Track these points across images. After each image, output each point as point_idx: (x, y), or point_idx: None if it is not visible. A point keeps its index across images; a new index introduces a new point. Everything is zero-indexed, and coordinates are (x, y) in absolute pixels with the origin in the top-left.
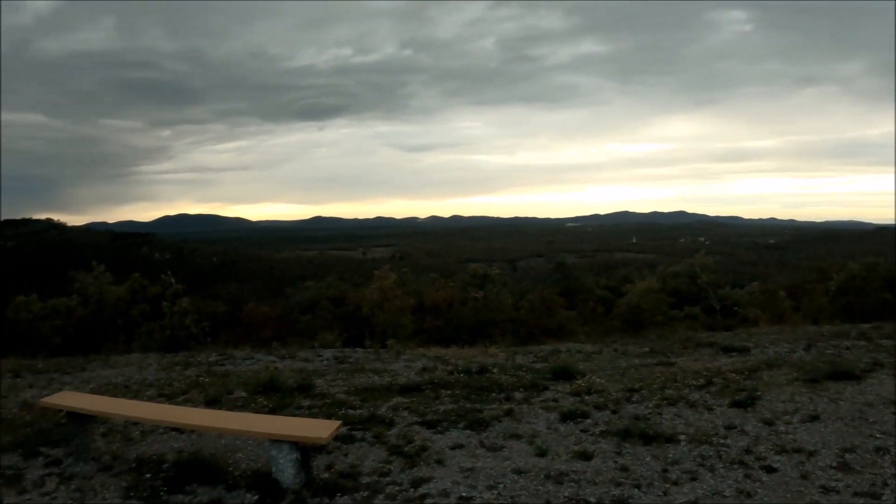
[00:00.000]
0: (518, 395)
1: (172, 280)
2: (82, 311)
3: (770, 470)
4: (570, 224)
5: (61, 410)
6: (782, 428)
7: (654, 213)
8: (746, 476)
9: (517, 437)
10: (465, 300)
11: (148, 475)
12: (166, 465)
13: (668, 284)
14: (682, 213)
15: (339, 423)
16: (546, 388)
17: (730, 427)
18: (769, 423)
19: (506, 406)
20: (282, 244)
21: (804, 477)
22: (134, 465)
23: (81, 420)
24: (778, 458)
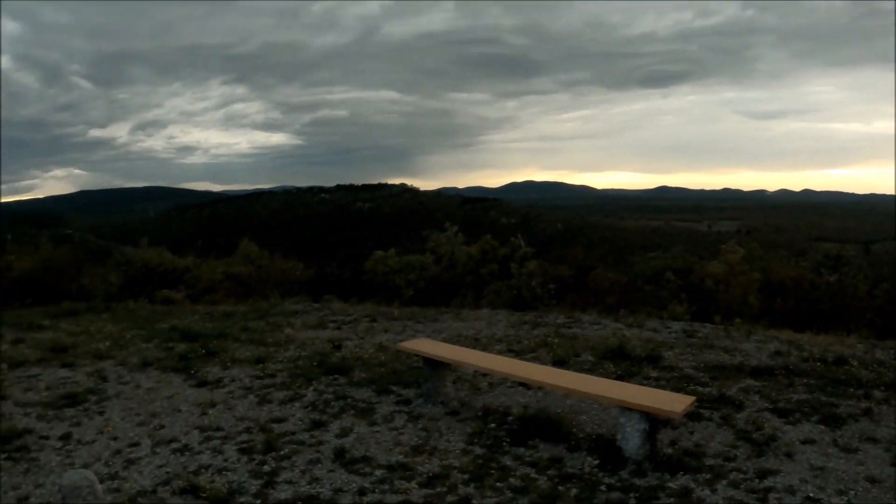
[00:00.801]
0: (878, 394)
1: (522, 243)
2: (434, 267)
3: None
4: None
5: (416, 355)
6: None
7: None
8: None
9: (874, 440)
10: (817, 283)
11: (492, 425)
12: (511, 418)
13: None
14: None
15: (693, 398)
16: None
17: None
18: None
19: (864, 404)
20: (626, 213)
21: None
22: (480, 413)
23: (435, 366)
24: None
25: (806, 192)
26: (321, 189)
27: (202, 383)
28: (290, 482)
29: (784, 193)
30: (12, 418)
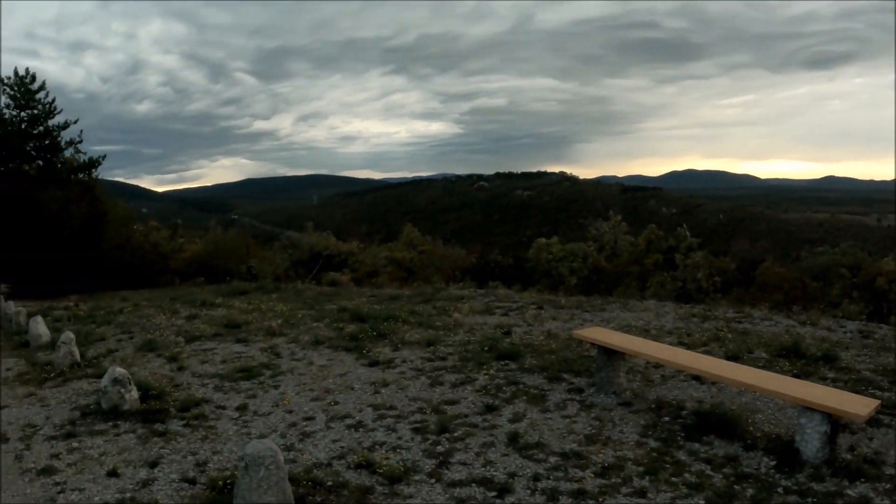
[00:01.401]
0: None
1: (687, 233)
2: (597, 256)
3: None
4: None
5: (590, 343)
6: None
7: None
8: None
9: None
10: None
11: (666, 418)
12: (685, 412)
13: None
14: None
15: (878, 402)
16: None
17: None
18: None
19: None
20: (790, 204)
21: None
22: (653, 406)
23: (609, 355)
24: None
25: None
26: (480, 177)
27: (374, 363)
28: (463, 464)
29: None
30: (190, 388)
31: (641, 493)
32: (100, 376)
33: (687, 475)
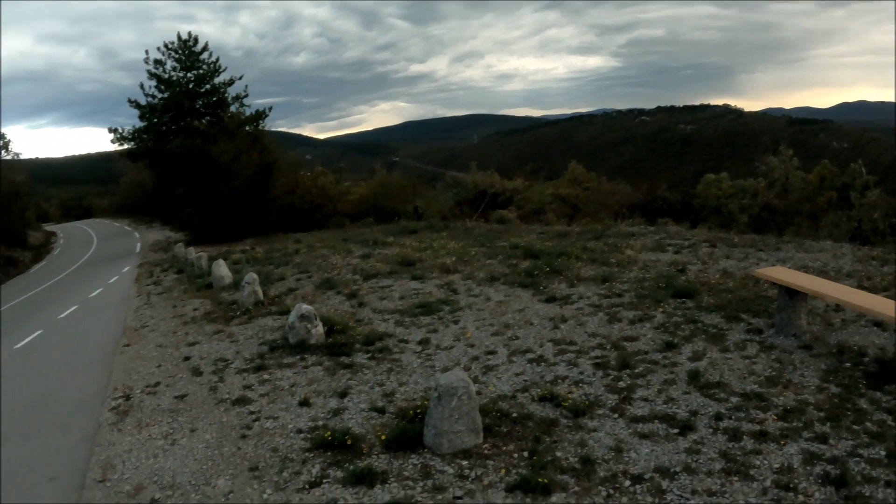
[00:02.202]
0: None
1: (863, 170)
2: (768, 193)
3: None
4: None
5: (771, 284)
6: None
7: None
8: None
9: None
10: None
11: (848, 364)
12: (867, 359)
13: None
14: None
15: None
16: None
17: None
18: None
19: None
20: None
21: None
22: (834, 350)
23: (791, 295)
24: None
25: None
26: (641, 111)
27: (551, 299)
28: (645, 399)
29: None
30: (372, 323)
31: (822, 438)
32: (284, 313)
33: (868, 424)
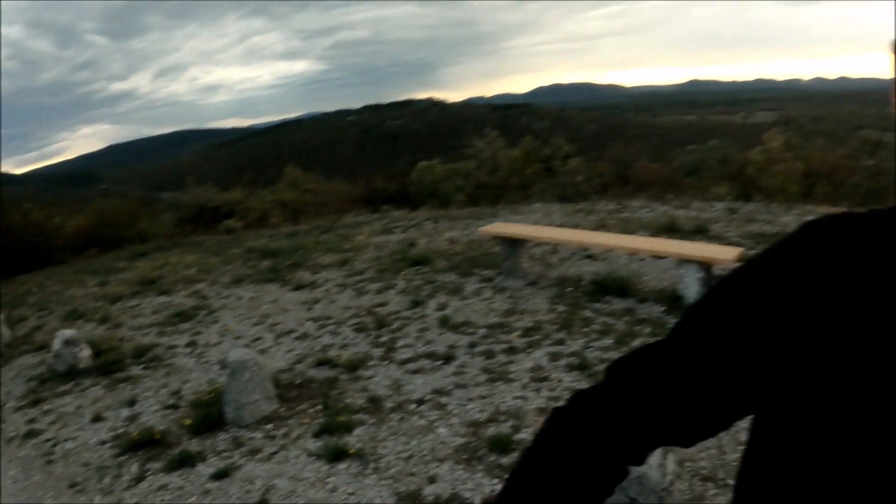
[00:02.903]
0: None
1: (563, 142)
2: (479, 172)
3: None
4: None
5: (495, 237)
6: None
7: None
8: None
9: None
10: (855, 168)
11: (569, 289)
12: (584, 282)
13: None
14: None
15: (741, 249)
16: None
17: None
18: None
19: None
20: (660, 109)
21: None
22: (556, 282)
23: (513, 244)
24: None
25: (842, 79)
26: (349, 111)
27: (298, 287)
28: (407, 346)
29: (819, 82)
30: (135, 339)
31: (560, 342)
32: (40, 349)
33: (595, 325)
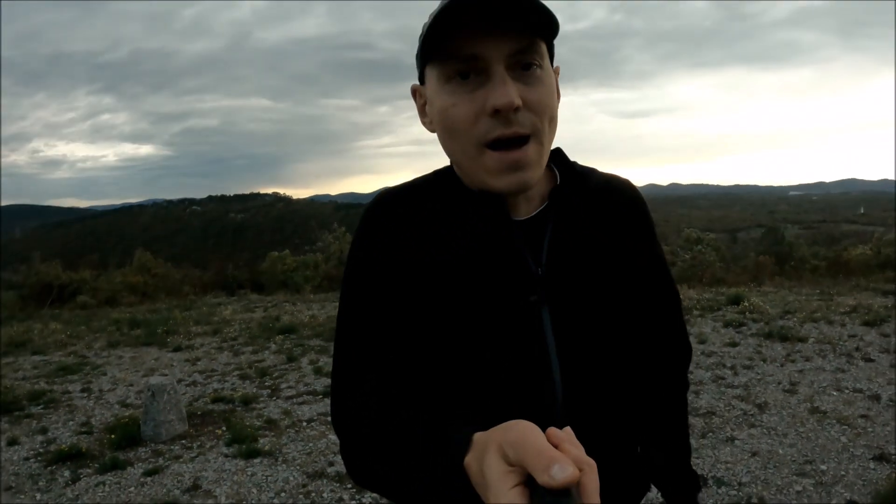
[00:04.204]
0: (696, 313)
1: None
2: (326, 265)
3: (868, 360)
4: (793, 192)
5: None
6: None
7: (884, 181)
8: (848, 362)
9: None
10: (673, 262)
11: None
12: None
13: (882, 252)
14: None
15: None
16: (719, 309)
17: (852, 336)
18: (885, 335)
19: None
20: None
21: (893, 365)
22: None
23: None
24: (879, 354)
25: (673, 185)
26: (192, 201)
27: (178, 349)
28: (290, 387)
29: (652, 188)
30: (23, 388)
31: None
32: None
33: None
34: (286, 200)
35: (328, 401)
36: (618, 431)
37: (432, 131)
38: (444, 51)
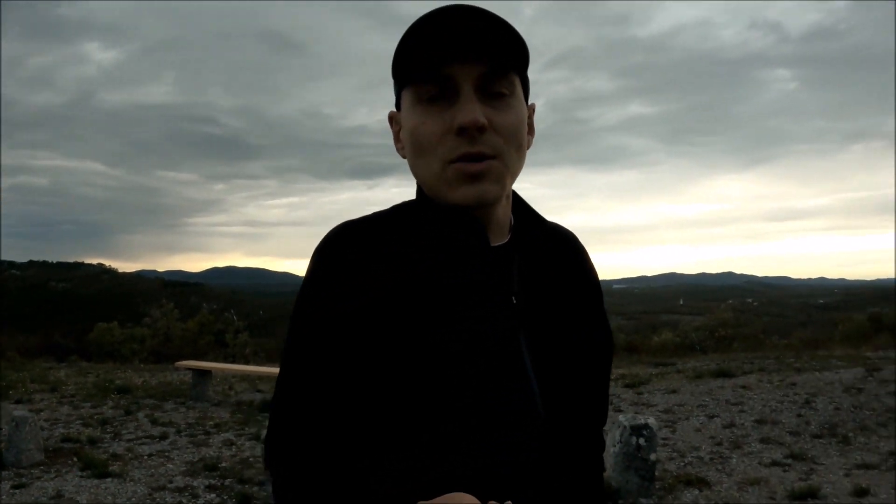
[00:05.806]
0: None
1: (235, 318)
2: (153, 340)
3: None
4: (616, 286)
5: (188, 370)
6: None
7: (702, 275)
8: None
9: None
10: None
11: (245, 408)
12: (255, 402)
13: (688, 337)
14: (729, 275)
15: None
16: None
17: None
18: (640, 393)
19: None
20: None
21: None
22: (235, 403)
23: (202, 374)
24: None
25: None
26: (12, 264)
27: (19, 401)
28: (130, 433)
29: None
30: None
31: (242, 428)
32: None
33: (259, 428)
34: (112, 273)
35: (166, 442)
36: (591, 451)
37: (404, 157)
38: (413, 70)
